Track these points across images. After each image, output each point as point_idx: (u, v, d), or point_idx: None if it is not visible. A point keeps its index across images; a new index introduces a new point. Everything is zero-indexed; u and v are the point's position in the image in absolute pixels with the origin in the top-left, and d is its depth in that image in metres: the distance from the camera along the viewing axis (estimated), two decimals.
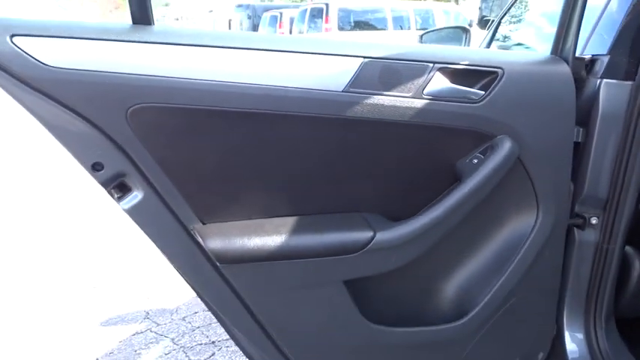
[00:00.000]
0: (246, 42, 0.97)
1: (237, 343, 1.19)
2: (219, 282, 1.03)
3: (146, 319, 2.48)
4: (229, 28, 19.01)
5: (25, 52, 0.83)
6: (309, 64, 0.99)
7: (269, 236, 1.00)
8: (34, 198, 4.44)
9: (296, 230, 1.02)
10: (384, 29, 11.58)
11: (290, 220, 1.04)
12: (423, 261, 1.10)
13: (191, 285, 1.09)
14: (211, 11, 26.19)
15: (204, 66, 0.93)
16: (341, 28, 11.12)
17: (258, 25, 16.09)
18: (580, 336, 1.29)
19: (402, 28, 11.66)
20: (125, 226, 3.70)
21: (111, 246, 3.37)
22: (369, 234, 1.04)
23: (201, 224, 1.00)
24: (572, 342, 1.29)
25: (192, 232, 0.99)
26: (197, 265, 1.01)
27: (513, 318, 1.20)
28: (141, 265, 3.07)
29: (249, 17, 17.64)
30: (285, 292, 1.06)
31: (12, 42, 0.83)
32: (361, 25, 11.51)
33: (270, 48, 0.97)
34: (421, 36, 2.77)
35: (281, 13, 14.01)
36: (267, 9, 16.46)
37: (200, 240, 0.98)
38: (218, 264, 0.99)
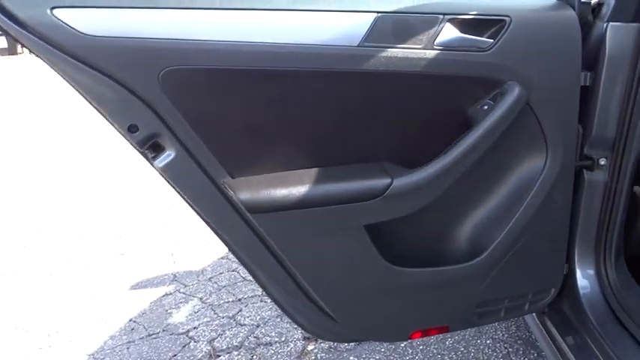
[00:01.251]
0: (265, 3, 1.02)
1: (265, 290, 1.27)
2: (248, 231, 1.11)
3: (174, 282, 2.59)
4: None
5: (64, 23, 0.89)
6: (325, 21, 1.03)
7: (294, 186, 1.07)
8: (60, 171, 4.56)
9: (318, 180, 1.09)
10: None
11: (313, 171, 1.11)
12: (438, 205, 1.17)
13: (221, 236, 1.16)
14: None
15: (228, 28, 0.98)
16: None
17: None
18: (591, 272, 1.35)
19: None
20: (142, 195, 3.81)
21: (131, 215, 3.48)
22: (386, 181, 1.11)
23: (230, 178, 1.08)
24: (584, 278, 1.35)
25: (222, 185, 1.07)
26: (227, 216, 1.09)
27: (525, 256, 1.27)
28: (163, 233, 3.19)
29: None
30: (310, 237, 1.13)
31: (52, 14, 0.88)
32: None
33: (287, 7, 1.02)
34: None
35: None
36: None
37: (230, 192, 1.05)
38: (248, 214, 1.06)
